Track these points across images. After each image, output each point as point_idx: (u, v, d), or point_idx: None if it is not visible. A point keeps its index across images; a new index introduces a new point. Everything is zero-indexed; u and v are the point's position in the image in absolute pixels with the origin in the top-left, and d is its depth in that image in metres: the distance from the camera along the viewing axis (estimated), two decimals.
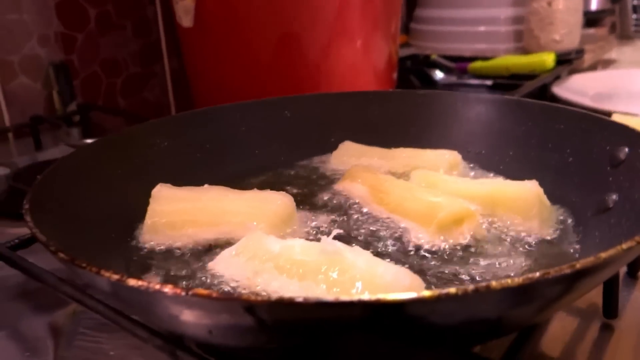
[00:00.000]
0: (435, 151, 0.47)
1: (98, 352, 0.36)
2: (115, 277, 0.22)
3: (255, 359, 0.29)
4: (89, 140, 0.71)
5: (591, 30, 1.42)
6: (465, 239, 0.35)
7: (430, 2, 1.38)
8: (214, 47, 0.78)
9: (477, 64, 1.10)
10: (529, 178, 0.41)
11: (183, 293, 0.20)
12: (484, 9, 1.27)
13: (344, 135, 0.51)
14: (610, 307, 0.36)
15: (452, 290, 0.19)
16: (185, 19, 0.78)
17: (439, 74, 1.13)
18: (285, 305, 0.19)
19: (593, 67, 1.33)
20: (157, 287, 0.21)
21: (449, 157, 0.46)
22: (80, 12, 0.82)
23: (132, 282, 0.21)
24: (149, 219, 0.37)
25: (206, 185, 0.40)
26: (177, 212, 0.36)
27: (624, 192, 0.35)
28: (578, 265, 0.20)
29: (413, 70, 1.12)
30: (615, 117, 0.47)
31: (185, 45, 0.84)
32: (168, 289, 0.20)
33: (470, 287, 0.19)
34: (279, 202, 0.36)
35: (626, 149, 0.36)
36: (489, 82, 1.04)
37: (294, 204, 0.38)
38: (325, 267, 0.27)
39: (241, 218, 0.36)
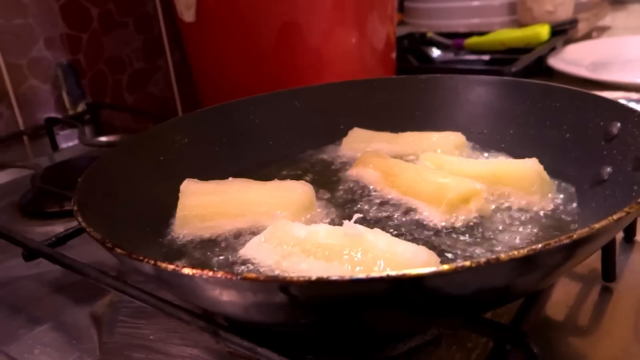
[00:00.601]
0: (440, 133, 0.50)
1: (139, 337, 0.40)
2: (171, 267, 0.25)
3: (285, 332, 0.32)
4: (103, 138, 0.74)
5: None
6: (472, 216, 0.38)
7: None
8: (216, 40, 0.80)
9: (473, 40, 1.12)
10: (529, 155, 0.43)
11: (234, 277, 0.23)
12: None
13: (352, 122, 0.54)
14: (609, 271, 0.39)
15: (466, 263, 0.22)
16: (187, 14, 0.80)
17: (436, 52, 1.15)
18: (322, 284, 0.22)
19: (587, 36, 1.35)
20: (211, 273, 0.24)
21: (454, 138, 0.49)
22: (83, 12, 0.84)
23: (187, 270, 0.24)
24: (179, 212, 0.40)
25: (230, 179, 0.43)
26: (206, 205, 0.39)
27: (617, 164, 0.38)
28: (575, 236, 0.23)
29: (410, 50, 1.14)
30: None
31: (187, 39, 0.86)
32: (221, 275, 0.23)
33: (482, 259, 0.22)
34: (299, 190, 0.39)
35: (618, 124, 0.39)
36: (486, 57, 1.06)
37: (314, 191, 0.41)
38: (348, 249, 0.30)
39: (265, 207, 0.39)
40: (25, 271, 0.49)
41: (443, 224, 0.38)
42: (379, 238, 0.31)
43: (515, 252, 0.22)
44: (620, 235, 0.45)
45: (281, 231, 0.34)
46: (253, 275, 0.23)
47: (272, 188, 0.41)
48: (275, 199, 0.39)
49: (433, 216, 0.39)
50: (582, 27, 1.23)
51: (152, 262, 0.25)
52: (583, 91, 0.44)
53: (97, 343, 0.40)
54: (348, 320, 0.27)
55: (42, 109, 0.81)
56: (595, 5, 1.45)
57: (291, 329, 0.32)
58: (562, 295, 0.40)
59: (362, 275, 0.21)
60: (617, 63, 1.08)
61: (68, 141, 0.82)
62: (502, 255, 0.22)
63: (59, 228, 0.56)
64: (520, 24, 1.22)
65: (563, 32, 1.13)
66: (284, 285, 0.23)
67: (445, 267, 0.21)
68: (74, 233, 0.45)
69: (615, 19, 1.57)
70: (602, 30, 1.46)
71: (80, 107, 0.84)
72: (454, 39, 1.16)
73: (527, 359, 0.28)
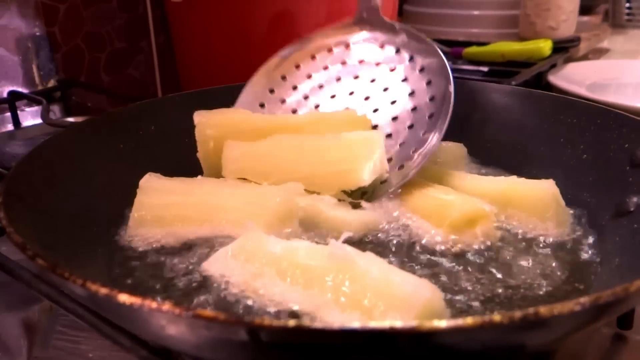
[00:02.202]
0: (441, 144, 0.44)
1: (76, 354, 0.33)
2: (104, 291, 0.19)
3: None
4: (70, 119, 0.67)
5: (585, 18, 1.39)
6: (478, 242, 0.32)
7: None
8: (204, 23, 0.74)
9: (472, 50, 1.07)
10: (538, 175, 0.38)
11: (186, 313, 0.17)
12: None
13: None
14: (626, 318, 0.34)
15: (495, 317, 0.16)
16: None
17: None
18: (304, 332, 0.16)
19: (585, 57, 1.31)
20: (154, 305, 0.18)
21: (453, 149, 0.43)
22: None
23: (123, 297, 0.18)
24: (135, 212, 0.34)
25: (200, 177, 0.36)
26: (167, 206, 0.33)
27: None
28: (632, 288, 0.18)
29: None
30: None
31: (174, 20, 0.80)
32: (167, 307, 0.17)
33: (517, 313, 0.16)
34: (277, 198, 0.33)
35: None
36: (484, 69, 1.01)
37: (295, 200, 0.34)
38: (333, 275, 0.24)
39: (236, 215, 0.32)
40: None
41: (443, 247, 0.32)
42: (371, 264, 0.25)
43: (559, 307, 0.16)
44: None
45: (253, 245, 0.28)
46: (211, 313, 0.17)
47: (246, 193, 0.34)
48: (249, 206, 0.33)
49: (433, 237, 0.33)
50: (582, 47, 1.20)
51: (80, 281, 0.19)
52: (606, 108, 0.39)
53: (26, 356, 0.33)
54: None
55: (8, 81, 0.74)
56: (595, 27, 1.42)
57: None
58: (573, 342, 0.34)
59: (356, 326, 0.16)
60: (617, 85, 1.05)
61: (35, 119, 0.74)
62: (542, 310, 0.16)
63: None
64: (521, 38, 1.18)
65: (564, 50, 1.09)
66: (253, 329, 0.17)
67: (469, 320, 0.16)
68: None
69: (613, 42, 1.55)
70: (600, 53, 1.43)
71: (51, 84, 0.77)
72: (452, 47, 1.11)
73: None
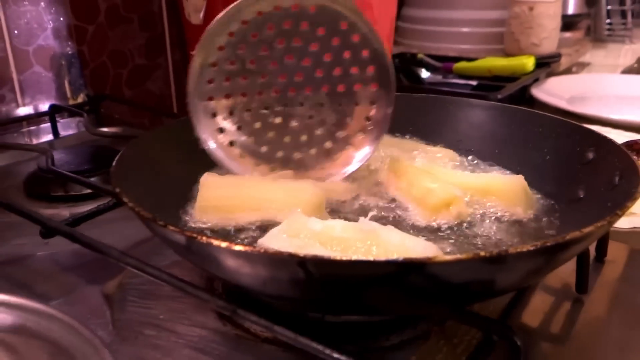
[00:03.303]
0: (434, 147, 0.55)
1: (149, 316, 0.43)
2: (205, 239, 0.29)
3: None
4: (105, 129, 0.77)
5: (568, 34, 1.52)
6: (453, 218, 0.43)
7: (417, 2, 1.46)
8: None
9: (461, 65, 1.18)
10: (514, 172, 0.49)
11: (261, 251, 0.27)
12: (468, 11, 1.36)
13: None
14: (582, 284, 0.44)
15: (468, 254, 0.26)
16: (194, 17, 0.84)
17: (425, 73, 1.21)
18: (333, 262, 0.26)
19: (568, 70, 1.43)
20: (241, 247, 0.28)
21: (449, 154, 0.54)
22: (92, 4, 0.87)
23: (217, 242, 0.28)
24: (199, 203, 0.44)
25: (246, 175, 0.47)
26: (224, 198, 0.43)
27: (591, 186, 0.43)
28: (549, 243, 0.28)
29: (401, 69, 1.20)
30: None
31: (192, 40, 0.90)
32: (247, 248, 0.27)
33: (489, 251, 0.26)
34: (310, 191, 0.44)
35: (593, 151, 0.44)
36: (473, 83, 1.12)
37: (323, 193, 0.45)
38: (363, 242, 0.35)
39: (280, 204, 0.42)
40: (34, 250, 0.52)
41: (425, 223, 0.43)
42: (391, 234, 0.35)
43: (509, 250, 0.27)
44: (592, 255, 0.50)
45: (298, 224, 0.38)
46: (277, 251, 0.27)
47: (285, 187, 0.45)
48: (289, 198, 0.43)
49: (418, 215, 0.45)
50: (564, 62, 1.31)
51: (191, 234, 0.29)
52: (563, 119, 0.50)
53: (110, 319, 0.43)
54: (355, 297, 0.31)
55: (43, 96, 0.84)
56: (577, 42, 1.54)
57: (300, 307, 0.36)
58: (539, 304, 0.44)
59: (370, 258, 0.26)
60: (595, 98, 1.15)
61: (67, 129, 0.84)
62: (500, 250, 0.26)
63: (64, 211, 0.59)
64: (506, 54, 1.30)
65: (546, 65, 1.20)
66: (302, 261, 0.28)
67: (457, 255, 0.26)
68: (89, 216, 0.49)
69: (594, 56, 1.67)
70: (582, 66, 1.55)
71: (81, 97, 0.87)
72: (443, 62, 1.22)
73: (510, 350, 0.33)
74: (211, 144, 0.49)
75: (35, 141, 0.80)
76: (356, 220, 0.39)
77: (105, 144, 0.77)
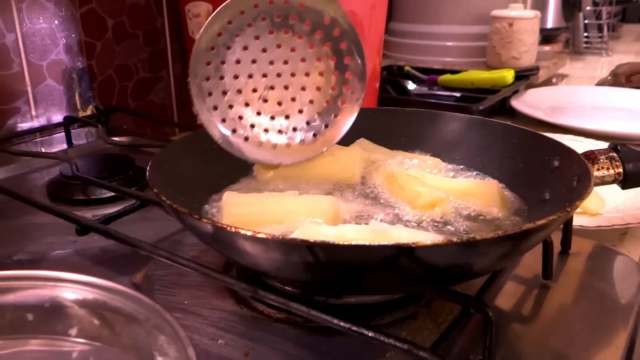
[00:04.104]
0: (422, 156, 0.63)
1: (175, 302, 0.50)
2: (234, 228, 0.36)
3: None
4: (116, 138, 0.84)
5: (547, 47, 1.62)
6: (438, 217, 0.51)
7: (403, 17, 1.56)
8: None
9: (446, 77, 1.27)
10: (490, 177, 0.57)
11: (279, 238, 0.35)
12: (452, 26, 1.45)
13: (349, 141, 0.66)
14: (547, 271, 0.53)
15: (454, 238, 0.34)
16: (198, 34, 0.91)
17: (412, 85, 1.29)
18: (335, 246, 0.34)
19: (547, 82, 1.53)
20: (264, 235, 0.35)
21: (432, 162, 0.62)
22: (100, 22, 0.94)
23: (243, 231, 0.36)
24: (224, 220, 0.49)
25: (265, 192, 0.54)
26: (248, 214, 0.49)
27: (556, 189, 0.51)
28: (510, 231, 0.36)
29: (389, 81, 1.28)
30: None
31: None
32: (269, 236, 0.35)
33: (467, 236, 0.34)
34: (329, 202, 0.50)
35: (558, 159, 0.53)
36: (457, 94, 1.21)
37: (339, 204, 0.51)
38: (377, 241, 0.41)
39: (301, 216, 0.49)
40: (64, 247, 0.59)
41: (417, 219, 0.51)
42: (402, 231, 0.42)
43: (480, 236, 0.34)
44: (557, 248, 0.58)
45: (311, 230, 0.44)
46: (292, 238, 0.35)
47: (305, 200, 0.51)
48: (309, 209, 0.49)
49: (409, 214, 0.53)
50: (542, 74, 1.41)
51: (222, 225, 0.37)
52: (535, 132, 0.58)
53: None
54: (355, 278, 0.39)
55: (55, 107, 0.91)
56: (555, 55, 1.64)
57: (308, 289, 0.44)
58: (510, 289, 0.53)
59: (375, 243, 0.34)
60: (571, 108, 1.25)
61: (77, 139, 0.91)
62: (476, 235, 0.34)
63: (87, 214, 0.66)
64: (488, 67, 1.39)
65: (525, 77, 1.30)
66: (310, 245, 0.35)
67: (428, 242, 0.34)
68: (117, 216, 0.56)
69: (573, 68, 1.78)
70: (560, 77, 1.65)
71: (89, 109, 0.94)
72: (429, 75, 1.31)
73: (484, 321, 0.41)
74: (205, 119, 0.57)
75: (48, 150, 0.87)
76: (360, 224, 0.47)
77: (115, 152, 0.84)
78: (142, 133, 1.00)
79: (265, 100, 0.59)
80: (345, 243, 0.35)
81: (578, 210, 0.62)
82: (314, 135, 0.60)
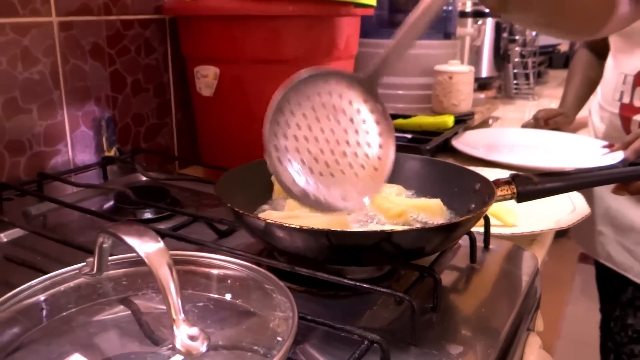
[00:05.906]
0: (391, 185, 0.94)
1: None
2: (279, 222, 0.65)
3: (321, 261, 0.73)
4: (151, 173, 1.11)
5: (482, 95, 1.99)
6: (401, 223, 0.82)
7: (361, 69, 1.89)
8: (224, 110, 1.20)
9: (398, 121, 1.59)
10: (436, 197, 0.89)
11: (305, 228, 0.64)
12: (403, 77, 1.79)
13: None
14: (473, 257, 0.83)
15: (417, 225, 0.64)
16: (206, 91, 1.20)
17: None
18: (342, 233, 0.64)
19: (485, 123, 1.89)
20: (297, 225, 0.64)
21: (396, 188, 0.93)
22: (122, 79, 1.21)
23: (287, 224, 0.65)
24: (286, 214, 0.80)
25: (297, 211, 0.82)
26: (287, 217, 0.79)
27: (476, 203, 0.83)
28: (437, 224, 0.67)
29: None
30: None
31: (198, 108, 1.26)
32: (299, 226, 0.64)
33: (422, 225, 0.64)
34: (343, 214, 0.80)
35: (478, 185, 0.84)
36: (408, 136, 1.53)
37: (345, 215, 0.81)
38: None
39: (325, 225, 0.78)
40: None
41: (392, 227, 0.81)
42: (384, 226, 0.73)
43: (436, 224, 0.65)
44: (481, 244, 0.89)
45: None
46: (307, 226, 0.64)
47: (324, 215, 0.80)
48: (331, 220, 0.78)
49: (383, 221, 0.82)
50: (478, 118, 1.76)
51: (270, 220, 0.66)
52: (463, 167, 0.90)
53: None
54: (356, 254, 0.68)
55: (87, 149, 1.17)
56: (488, 101, 2.02)
57: (325, 261, 0.73)
58: (449, 269, 0.83)
59: (369, 229, 0.63)
60: (503, 146, 1.59)
61: (122, 175, 1.17)
62: (433, 224, 0.64)
63: None
64: (433, 112, 1.74)
65: (463, 122, 1.64)
66: (326, 233, 0.65)
67: (401, 230, 0.64)
68: (178, 227, 0.83)
69: (505, 111, 2.16)
70: (495, 119, 2.02)
71: (113, 151, 1.20)
72: None
73: (433, 283, 0.70)
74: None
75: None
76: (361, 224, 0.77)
77: (143, 184, 1.10)
78: (152, 168, 1.26)
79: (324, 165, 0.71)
80: (348, 230, 0.64)
81: (498, 222, 0.96)
82: None
